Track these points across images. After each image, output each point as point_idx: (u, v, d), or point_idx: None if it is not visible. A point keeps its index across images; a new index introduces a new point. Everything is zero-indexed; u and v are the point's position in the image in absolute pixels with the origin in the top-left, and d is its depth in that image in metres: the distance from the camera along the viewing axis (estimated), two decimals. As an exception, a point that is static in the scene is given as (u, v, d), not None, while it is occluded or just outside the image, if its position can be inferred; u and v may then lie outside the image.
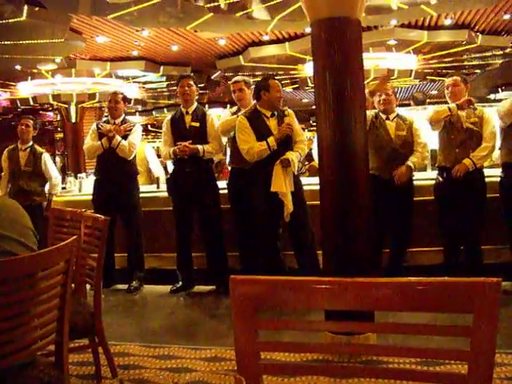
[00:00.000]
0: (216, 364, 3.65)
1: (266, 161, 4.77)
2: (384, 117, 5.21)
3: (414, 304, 1.14)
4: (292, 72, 12.88)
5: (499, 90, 17.66)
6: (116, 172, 5.70)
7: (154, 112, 19.10)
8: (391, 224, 5.18)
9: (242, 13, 5.23)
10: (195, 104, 5.57)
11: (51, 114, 17.23)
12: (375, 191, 4.62)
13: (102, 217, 3.17)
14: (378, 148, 5.07)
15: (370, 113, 5.30)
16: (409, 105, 17.08)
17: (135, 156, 5.87)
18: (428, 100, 17.82)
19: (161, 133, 5.77)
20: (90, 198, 5.83)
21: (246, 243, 5.43)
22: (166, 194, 5.72)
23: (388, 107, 5.21)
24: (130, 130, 5.74)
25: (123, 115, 5.90)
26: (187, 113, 5.51)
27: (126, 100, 5.95)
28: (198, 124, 5.46)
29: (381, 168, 5.04)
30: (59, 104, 13.26)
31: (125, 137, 5.68)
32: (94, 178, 5.95)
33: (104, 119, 6.01)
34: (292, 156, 4.71)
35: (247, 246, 5.43)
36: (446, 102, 5.23)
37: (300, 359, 3.41)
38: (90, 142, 5.80)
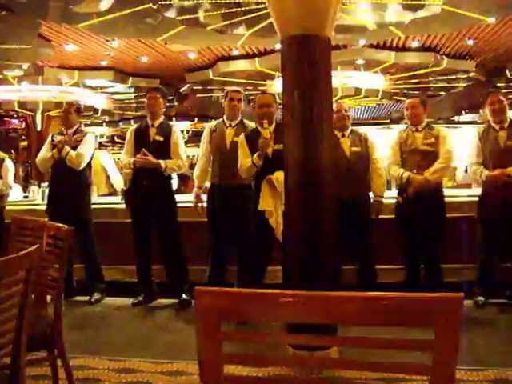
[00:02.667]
0: (177, 378, 3.61)
1: (257, 179, 4.76)
2: (340, 134, 5.19)
3: (378, 318, 1.15)
4: (261, 88, 12.94)
5: (463, 112, 18.08)
6: (67, 183, 5.63)
7: (120, 123, 18.93)
8: (351, 242, 5.16)
9: (213, 26, 5.24)
10: (162, 118, 5.55)
11: (16, 121, 16.95)
12: None
13: (66, 226, 3.11)
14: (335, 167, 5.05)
15: None
16: (373, 124, 17.35)
17: (89, 167, 5.81)
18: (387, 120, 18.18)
19: (127, 144, 5.72)
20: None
21: (218, 259, 5.41)
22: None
23: (344, 123, 5.21)
24: (81, 141, 5.68)
25: (76, 125, 5.84)
26: (152, 126, 5.48)
27: (79, 111, 5.92)
28: (162, 138, 5.43)
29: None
30: (25, 111, 13.06)
31: (77, 147, 5.64)
32: (48, 188, 5.93)
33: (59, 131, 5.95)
34: (278, 175, 4.54)
35: (218, 262, 5.41)
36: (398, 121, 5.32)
37: (262, 374, 3.39)
38: (42, 153, 5.78)
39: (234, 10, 4.49)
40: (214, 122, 5.67)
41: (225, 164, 5.25)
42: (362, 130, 5.52)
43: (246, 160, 4.83)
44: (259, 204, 4.64)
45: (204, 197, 5.54)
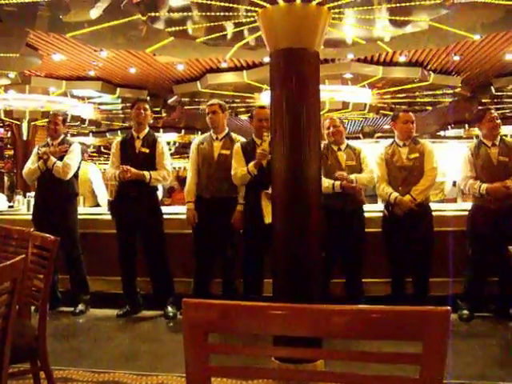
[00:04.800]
0: (162, 391, 3.58)
1: (251, 191, 4.96)
2: (336, 148, 5.26)
3: (367, 332, 1.15)
4: (248, 100, 12.99)
5: (449, 127, 18.28)
6: (53, 193, 5.63)
7: (107, 134, 18.91)
8: (342, 254, 5.19)
9: (203, 39, 5.25)
10: (147, 129, 5.56)
11: (1, 130, 16.85)
12: (326, 221, 4.73)
13: (52, 237, 3.09)
14: (330, 179, 5.10)
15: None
16: (358, 138, 17.45)
17: (76, 177, 5.80)
18: (380, 134, 18.35)
19: (114, 155, 5.70)
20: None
21: (202, 271, 5.39)
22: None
23: (337, 138, 5.26)
24: (67, 151, 5.66)
25: (62, 136, 5.84)
26: (138, 137, 5.49)
27: (65, 121, 5.93)
28: (147, 150, 5.44)
29: (331, 198, 5.00)
30: (11, 120, 12.99)
31: (63, 157, 5.63)
32: (34, 197, 5.95)
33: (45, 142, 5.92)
34: None
35: (203, 274, 5.39)
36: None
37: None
38: (28, 165, 5.78)
39: (223, 22, 4.51)
40: (201, 136, 5.73)
41: (212, 177, 5.28)
42: (356, 144, 5.55)
43: (240, 168, 4.99)
44: (266, 218, 4.68)
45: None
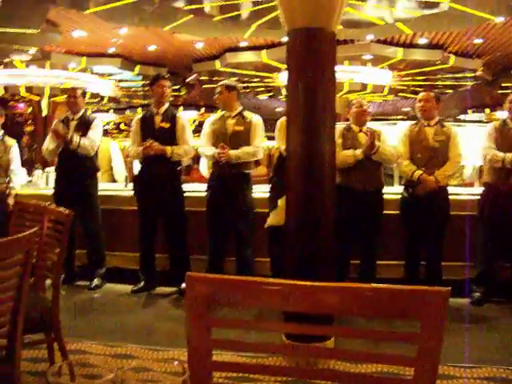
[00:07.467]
0: (172, 365, 3.62)
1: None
2: (357, 130, 5.20)
3: (363, 310, 1.17)
4: (267, 80, 12.95)
5: (469, 111, 18.05)
6: (74, 167, 5.66)
7: (127, 111, 18.96)
8: (360, 235, 5.18)
9: (220, 17, 5.25)
10: (166, 105, 5.56)
11: (22, 105, 16.98)
12: (344, 202, 4.73)
13: (66, 210, 3.13)
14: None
15: (340, 125, 5.32)
16: (379, 120, 17.33)
17: (96, 152, 5.84)
18: (400, 116, 18.17)
19: (134, 132, 5.73)
20: (55, 192, 5.80)
21: (216, 248, 5.43)
22: (132, 193, 5.71)
23: (365, 119, 5.21)
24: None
25: (83, 110, 5.86)
26: (157, 113, 5.50)
27: (84, 95, 5.96)
28: (167, 125, 5.45)
29: (351, 179, 5.03)
30: (31, 96, 13.07)
31: (84, 132, 5.66)
32: (55, 172, 5.98)
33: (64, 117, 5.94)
34: None
35: (216, 252, 5.44)
36: (416, 118, 5.31)
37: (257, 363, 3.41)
38: (47, 144, 5.82)
39: (242, 1, 4.50)
40: (215, 115, 5.73)
41: None
42: (376, 126, 5.49)
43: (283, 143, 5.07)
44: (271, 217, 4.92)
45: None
